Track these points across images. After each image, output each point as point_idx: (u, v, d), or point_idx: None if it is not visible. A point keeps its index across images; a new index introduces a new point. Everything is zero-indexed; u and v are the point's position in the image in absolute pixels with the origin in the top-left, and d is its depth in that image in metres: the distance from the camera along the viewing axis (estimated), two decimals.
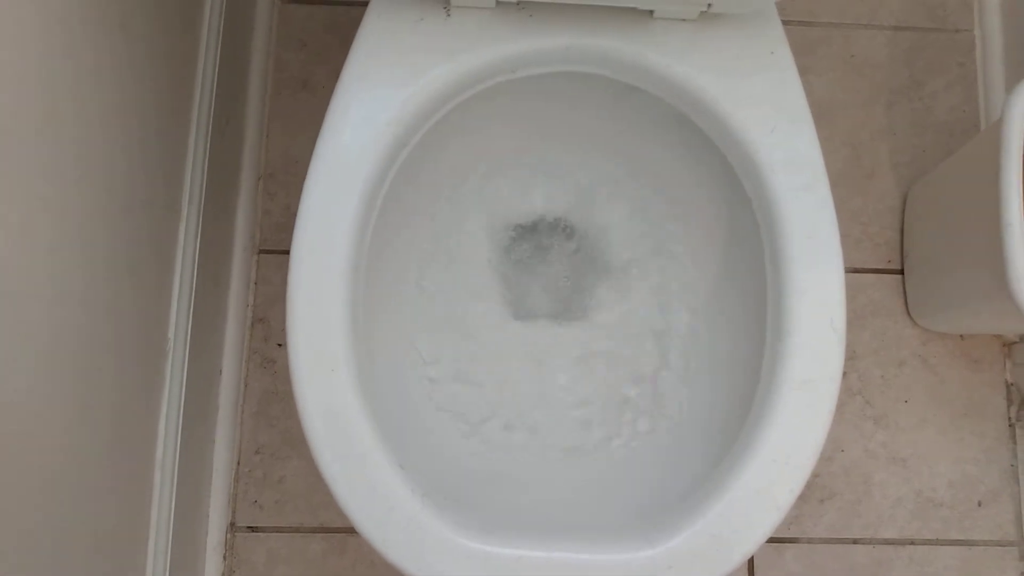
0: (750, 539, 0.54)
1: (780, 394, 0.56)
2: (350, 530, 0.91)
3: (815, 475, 0.95)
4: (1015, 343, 0.98)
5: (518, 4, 0.62)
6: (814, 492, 0.95)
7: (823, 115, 1.04)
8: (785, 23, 1.09)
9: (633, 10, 0.61)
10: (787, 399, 0.56)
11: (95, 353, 0.62)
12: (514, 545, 0.54)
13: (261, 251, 0.98)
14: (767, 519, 0.54)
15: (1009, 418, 0.98)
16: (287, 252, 0.97)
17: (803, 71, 1.05)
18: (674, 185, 0.72)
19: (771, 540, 0.94)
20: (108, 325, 0.64)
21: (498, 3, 0.61)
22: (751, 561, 0.93)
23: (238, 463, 0.92)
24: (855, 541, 0.94)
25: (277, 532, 0.91)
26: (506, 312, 0.73)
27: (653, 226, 0.73)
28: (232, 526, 0.91)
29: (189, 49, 0.81)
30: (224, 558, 0.90)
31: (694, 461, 0.61)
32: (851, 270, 1.00)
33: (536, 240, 0.76)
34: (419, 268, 0.72)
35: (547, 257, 0.76)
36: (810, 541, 0.94)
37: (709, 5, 0.59)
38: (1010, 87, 0.77)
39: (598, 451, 0.68)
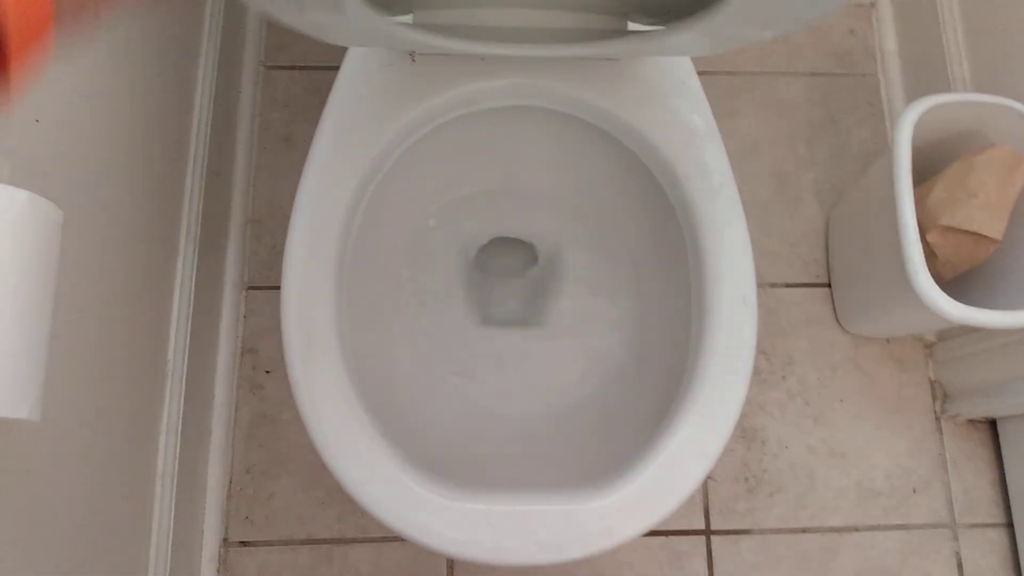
0: (686, 484, 0.63)
1: (705, 362, 0.66)
2: (336, 541, 0.98)
3: (763, 471, 1.04)
4: (934, 343, 1.09)
5: None
6: (763, 487, 1.03)
7: (752, 151, 1.18)
8: (713, 74, 1.24)
9: None
10: (711, 365, 0.66)
11: (108, 365, 0.70)
12: (482, 501, 0.62)
13: (249, 287, 1.07)
14: (700, 466, 0.63)
15: (935, 412, 1.08)
16: (274, 288, 1.08)
17: (732, 114, 1.19)
18: (613, 200, 0.83)
19: (727, 532, 1.02)
20: (119, 343, 0.72)
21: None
22: (709, 552, 1.01)
23: (230, 482, 0.99)
24: (804, 530, 1.02)
25: (267, 546, 0.97)
26: (473, 318, 0.83)
27: (597, 236, 0.84)
28: (225, 541, 0.97)
29: (185, 111, 0.92)
30: (218, 571, 0.96)
31: (639, 428, 0.70)
32: (784, 285, 1.12)
33: (498, 255, 0.86)
34: (395, 277, 0.82)
35: (509, 270, 0.86)
36: (762, 532, 1.02)
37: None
38: None
39: (559, 427, 0.77)
